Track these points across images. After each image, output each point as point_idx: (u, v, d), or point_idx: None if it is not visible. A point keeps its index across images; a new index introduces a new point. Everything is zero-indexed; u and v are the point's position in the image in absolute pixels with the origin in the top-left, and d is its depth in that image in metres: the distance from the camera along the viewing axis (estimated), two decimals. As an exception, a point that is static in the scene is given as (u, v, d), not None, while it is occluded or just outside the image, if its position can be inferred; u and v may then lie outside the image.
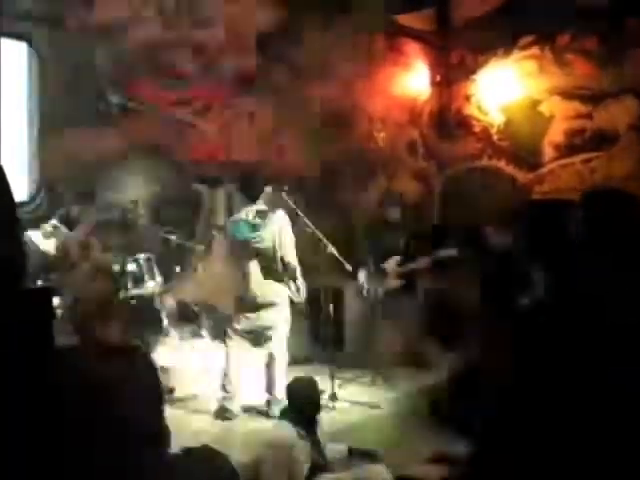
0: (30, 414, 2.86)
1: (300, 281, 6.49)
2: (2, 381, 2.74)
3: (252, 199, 6.45)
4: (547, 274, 4.96)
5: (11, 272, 3.09)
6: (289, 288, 6.46)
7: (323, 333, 7.45)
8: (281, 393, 6.24)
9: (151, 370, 3.28)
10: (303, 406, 4.93)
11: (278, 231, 6.34)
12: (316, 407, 5.03)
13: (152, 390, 3.25)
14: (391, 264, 7.95)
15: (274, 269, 6.37)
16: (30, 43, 7.35)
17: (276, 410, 6.07)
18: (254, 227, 6.34)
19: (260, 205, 6.43)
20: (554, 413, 3.02)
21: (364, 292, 7.87)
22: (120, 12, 7.84)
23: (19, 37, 7.28)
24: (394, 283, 7.87)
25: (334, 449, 5.07)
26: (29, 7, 7.13)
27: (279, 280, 6.41)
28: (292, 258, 6.42)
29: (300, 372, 5.93)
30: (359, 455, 5.14)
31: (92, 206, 7.46)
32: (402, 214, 8.46)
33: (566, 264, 4.19)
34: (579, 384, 2.98)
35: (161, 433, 3.23)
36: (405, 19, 10.57)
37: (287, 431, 4.79)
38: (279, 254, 6.36)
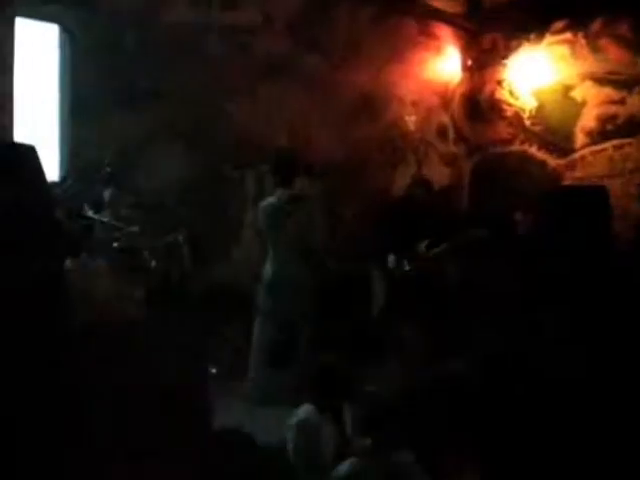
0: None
1: (327, 265, 6.52)
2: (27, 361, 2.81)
3: (283, 183, 6.47)
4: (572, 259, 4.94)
5: (44, 251, 3.15)
6: (316, 271, 6.48)
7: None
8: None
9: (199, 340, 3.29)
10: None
11: (308, 215, 6.36)
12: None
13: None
14: (421, 247, 7.93)
15: (303, 253, 6.39)
16: (62, 26, 7.38)
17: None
18: (285, 211, 6.36)
19: (291, 189, 6.45)
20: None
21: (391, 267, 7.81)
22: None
23: (50, 19, 7.31)
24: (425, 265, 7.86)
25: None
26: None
27: (307, 264, 6.43)
28: (320, 243, 6.45)
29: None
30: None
31: (123, 190, 7.50)
32: (429, 197, 8.35)
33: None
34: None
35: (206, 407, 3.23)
36: (437, 2, 10.51)
37: (313, 414, 4.84)
38: (308, 238, 6.38)
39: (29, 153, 3.20)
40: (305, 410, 5.00)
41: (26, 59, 6.52)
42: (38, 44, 7.17)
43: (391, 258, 7.91)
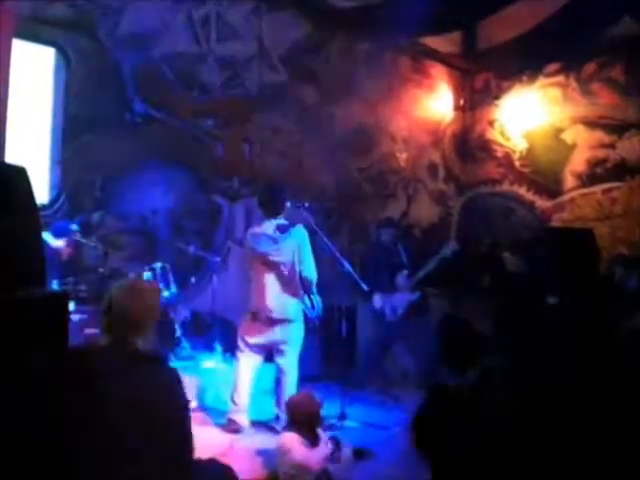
0: (46, 418, 2.90)
1: (316, 297, 6.50)
2: (19, 384, 2.77)
3: (272, 213, 6.46)
4: (564, 299, 4.94)
5: (32, 277, 3.13)
6: (305, 303, 6.46)
7: (335, 351, 7.44)
8: (289, 409, 6.28)
9: (176, 381, 3.25)
10: (302, 419, 5.15)
11: (297, 246, 6.35)
12: (316, 420, 5.24)
13: (177, 400, 3.23)
14: (401, 278, 8.02)
15: (291, 284, 6.37)
16: (58, 49, 7.40)
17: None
18: (274, 241, 6.35)
19: (280, 219, 6.44)
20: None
21: (386, 312, 7.91)
22: (149, 23, 7.90)
23: (47, 43, 7.34)
24: (409, 297, 7.94)
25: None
26: (59, 13, 7.19)
27: (295, 295, 6.41)
28: (310, 273, 6.43)
29: (310, 389, 5.92)
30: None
31: (111, 213, 7.49)
32: (396, 236, 8.40)
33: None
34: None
35: (186, 442, 3.20)
36: (431, 41, 10.60)
37: (290, 438, 5.04)
38: (297, 269, 6.36)
39: (19, 175, 3.18)
40: (284, 436, 5.11)
41: (20, 80, 6.51)
42: (33, 66, 7.17)
43: (377, 298, 7.94)
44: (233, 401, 6.37)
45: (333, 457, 5.01)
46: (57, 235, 6.53)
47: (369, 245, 9.05)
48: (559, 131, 10.24)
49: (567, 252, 5.60)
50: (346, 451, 5.16)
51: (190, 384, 6.78)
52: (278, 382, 6.52)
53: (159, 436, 3.03)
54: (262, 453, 5.68)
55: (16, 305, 2.89)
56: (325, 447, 5.06)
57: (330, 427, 6.15)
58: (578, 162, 10.06)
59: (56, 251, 6.53)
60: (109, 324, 3.16)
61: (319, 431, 5.24)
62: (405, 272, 8.08)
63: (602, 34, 9.60)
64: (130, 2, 7.69)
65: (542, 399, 3.15)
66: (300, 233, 6.41)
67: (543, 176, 10.39)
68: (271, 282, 6.37)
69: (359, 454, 5.23)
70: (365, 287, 6.99)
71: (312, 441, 5.10)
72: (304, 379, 6.75)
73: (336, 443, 5.10)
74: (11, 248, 2.96)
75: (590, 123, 9.96)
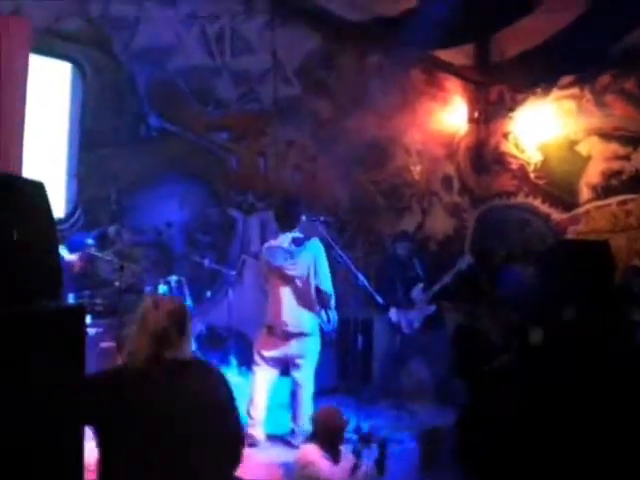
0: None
1: (332, 310, 6.49)
2: (37, 399, 2.78)
3: (288, 227, 6.46)
4: (577, 312, 4.92)
5: (48, 290, 3.14)
6: (321, 317, 6.44)
7: (351, 364, 7.42)
8: (306, 422, 6.24)
9: (225, 378, 3.49)
10: (328, 435, 5.12)
11: (313, 259, 6.34)
12: (340, 437, 5.21)
13: (230, 394, 3.45)
14: (416, 292, 8.02)
15: (307, 297, 6.36)
16: (74, 63, 7.44)
17: (300, 439, 6.07)
18: (290, 254, 6.35)
19: (296, 233, 6.44)
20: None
21: (402, 326, 7.90)
22: (163, 37, 7.94)
23: (63, 57, 7.37)
24: (425, 311, 7.94)
25: None
26: (74, 28, 7.23)
27: (311, 309, 6.40)
28: (327, 287, 6.42)
29: (326, 402, 5.91)
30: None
31: (127, 227, 7.51)
32: (411, 250, 8.41)
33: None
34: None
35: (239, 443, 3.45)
36: (445, 54, 10.60)
37: (312, 451, 5.04)
38: (313, 282, 6.35)
39: (38, 189, 3.20)
40: (306, 449, 5.10)
41: (38, 94, 6.56)
42: (50, 80, 7.22)
43: (393, 312, 7.94)
44: (249, 415, 6.35)
45: (354, 471, 4.98)
46: (72, 249, 6.55)
47: (384, 259, 9.04)
48: (574, 143, 10.22)
49: (582, 264, 5.59)
50: (368, 465, 5.13)
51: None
52: (294, 396, 6.50)
53: (220, 427, 3.29)
54: (278, 467, 5.68)
55: (34, 318, 2.90)
56: (346, 462, 5.03)
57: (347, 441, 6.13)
58: (593, 174, 10.03)
59: (68, 265, 6.54)
60: (149, 342, 3.24)
61: (340, 448, 5.21)
62: (421, 286, 8.08)
63: (616, 46, 9.59)
64: (145, 16, 7.72)
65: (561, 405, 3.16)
66: (316, 246, 6.40)
67: (558, 188, 10.37)
68: (287, 296, 6.36)
69: (380, 465, 5.17)
70: (380, 300, 6.98)
71: (334, 456, 5.08)
72: (320, 392, 6.74)
73: (357, 456, 5.08)
74: (29, 261, 2.98)
75: (605, 135, 9.94)
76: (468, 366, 7.16)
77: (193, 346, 7.31)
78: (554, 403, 3.14)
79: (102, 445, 3.09)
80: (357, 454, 5.06)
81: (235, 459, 3.37)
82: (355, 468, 4.97)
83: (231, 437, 3.39)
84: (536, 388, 3.30)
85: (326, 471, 4.93)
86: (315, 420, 5.30)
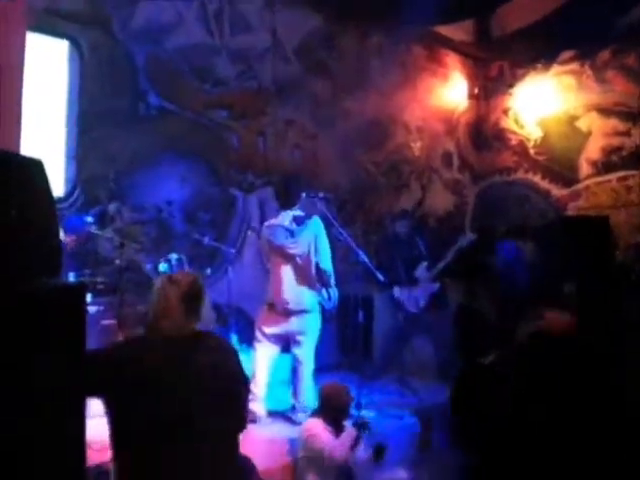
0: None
1: (333, 288, 6.51)
2: (38, 378, 2.79)
3: (288, 205, 6.47)
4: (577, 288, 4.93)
5: (49, 268, 3.15)
6: (321, 294, 6.47)
7: (352, 341, 7.45)
8: (307, 399, 6.29)
9: (234, 349, 3.65)
10: (333, 410, 5.21)
11: (314, 237, 6.36)
12: (346, 413, 5.32)
13: (240, 370, 3.58)
14: (420, 270, 8.02)
15: (308, 275, 6.38)
16: (72, 42, 7.41)
17: (301, 416, 6.13)
18: (290, 232, 6.36)
19: (296, 211, 6.44)
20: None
21: (406, 304, 7.91)
22: (162, 16, 7.91)
23: (61, 35, 7.35)
24: (430, 289, 7.94)
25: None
26: (72, 6, 7.20)
27: (312, 286, 6.42)
28: (327, 265, 6.44)
29: (327, 379, 5.95)
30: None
31: (127, 205, 7.52)
32: (411, 228, 8.41)
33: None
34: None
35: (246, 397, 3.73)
36: (445, 30, 10.56)
37: (316, 424, 5.14)
38: (314, 260, 6.37)
39: (36, 167, 3.20)
40: (312, 422, 5.14)
41: (35, 73, 6.54)
42: (47, 58, 7.19)
43: (397, 290, 7.95)
44: (250, 391, 6.39)
45: (356, 445, 5.03)
46: (67, 230, 6.55)
47: (384, 236, 9.04)
48: (574, 119, 10.19)
49: (583, 240, 5.60)
50: (367, 451, 5.17)
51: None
52: (294, 372, 6.55)
53: (233, 392, 3.43)
54: (279, 442, 5.73)
55: (35, 296, 2.91)
56: (348, 438, 5.07)
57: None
58: (593, 150, 10.01)
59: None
60: (164, 313, 3.35)
61: (344, 423, 5.26)
62: (425, 264, 8.08)
63: (616, 21, 9.54)
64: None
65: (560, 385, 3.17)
66: (316, 224, 6.42)
67: (558, 164, 10.35)
68: (288, 274, 6.38)
69: (379, 452, 5.20)
70: (381, 278, 7.00)
71: (337, 430, 5.15)
72: (322, 369, 6.78)
73: (359, 427, 5.12)
74: (29, 239, 2.98)
75: (605, 110, 9.91)
76: (467, 346, 7.19)
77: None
78: (552, 395, 3.16)
79: (112, 419, 3.15)
80: (358, 428, 5.11)
81: (240, 425, 3.51)
82: (356, 441, 5.02)
83: (237, 407, 3.50)
84: (534, 380, 3.32)
85: (329, 444, 4.99)
86: (322, 394, 5.36)
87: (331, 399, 5.24)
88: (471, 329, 7.60)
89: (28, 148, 6.06)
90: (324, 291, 6.49)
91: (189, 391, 3.19)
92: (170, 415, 3.12)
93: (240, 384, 3.56)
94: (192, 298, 3.37)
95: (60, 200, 6.87)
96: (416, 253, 8.21)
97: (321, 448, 4.96)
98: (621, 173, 9.76)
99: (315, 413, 5.34)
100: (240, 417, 3.54)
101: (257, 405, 6.34)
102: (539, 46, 10.34)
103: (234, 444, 3.42)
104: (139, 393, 3.11)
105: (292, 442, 5.57)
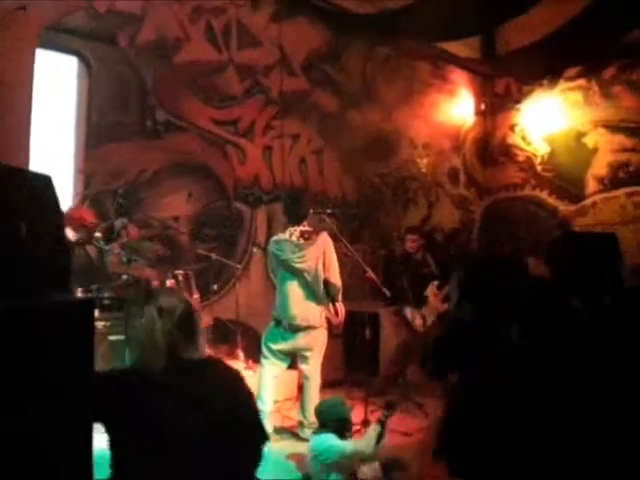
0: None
1: (340, 303, 6.48)
2: (46, 393, 2.78)
3: (296, 220, 6.46)
4: (587, 306, 4.91)
5: (57, 282, 3.14)
6: (328, 310, 6.44)
7: (358, 356, 7.42)
8: (313, 415, 6.26)
9: (240, 375, 3.42)
10: (336, 422, 5.18)
11: (321, 253, 6.34)
12: (345, 424, 5.27)
13: (248, 398, 3.41)
14: (431, 289, 7.97)
15: (315, 291, 6.36)
16: (80, 57, 7.44)
17: (308, 432, 6.09)
18: (298, 247, 6.34)
19: (304, 226, 6.43)
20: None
21: (416, 323, 7.84)
22: (169, 31, 7.94)
23: (69, 51, 7.37)
24: (440, 307, 7.89)
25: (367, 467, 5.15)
26: (80, 22, 7.22)
27: (319, 302, 6.40)
28: (335, 280, 6.41)
29: (333, 395, 5.92)
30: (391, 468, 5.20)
31: (133, 220, 7.51)
32: (421, 246, 8.35)
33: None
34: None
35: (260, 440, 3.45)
36: (451, 47, 10.57)
37: (329, 438, 5.08)
38: (321, 275, 6.34)
39: (45, 182, 3.20)
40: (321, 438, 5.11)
41: (44, 88, 6.57)
42: (56, 74, 7.22)
43: (408, 310, 7.89)
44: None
45: (379, 441, 4.99)
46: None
47: (392, 254, 9.00)
48: (581, 135, 10.20)
49: (590, 257, 5.57)
50: (375, 466, 5.13)
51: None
52: (301, 389, 6.52)
53: (237, 427, 3.22)
54: (286, 459, 5.70)
55: (42, 312, 2.90)
56: (373, 434, 5.04)
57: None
58: (600, 166, 10.01)
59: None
60: (158, 346, 3.20)
61: (349, 434, 5.27)
62: (436, 283, 8.02)
63: (622, 37, 9.55)
64: (151, 10, 7.72)
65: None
66: (324, 239, 6.40)
67: (565, 180, 10.35)
68: (295, 289, 6.36)
69: (390, 407, 5.17)
70: (388, 294, 6.97)
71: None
72: (327, 385, 6.75)
73: (386, 407, 5.10)
74: (37, 255, 2.98)
75: (612, 127, 9.91)
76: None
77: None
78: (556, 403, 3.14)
79: (111, 445, 3.08)
80: (382, 424, 5.06)
81: (255, 457, 3.37)
82: (380, 438, 4.98)
83: (250, 436, 3.37)
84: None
85: (350, 444, 5.03)
86: (319, 411, 5.37)
87: (330, 412, 5.23)
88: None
89: (36, 163, 6.10)
90: (331, 306, 6.45)
91: (191, 420, 3.10)
92: (171, 447, 3.02)
93: (246, 411, 3.41)
94: (191, 323, 3.21)
95: (68, 215, 6.86)
96: (425, 271, 8.16)
97: (342, 452, 4.94)
98: (628, 189, 9.75)
99: (320, 430, 5.30)
100: (254, 450, 3.41)
101: (264, 422, 6.30)
102: (545, 62, 10.35)
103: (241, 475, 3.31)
104: (143, 424, 3.03)
105: (300, 458, 5.55)
